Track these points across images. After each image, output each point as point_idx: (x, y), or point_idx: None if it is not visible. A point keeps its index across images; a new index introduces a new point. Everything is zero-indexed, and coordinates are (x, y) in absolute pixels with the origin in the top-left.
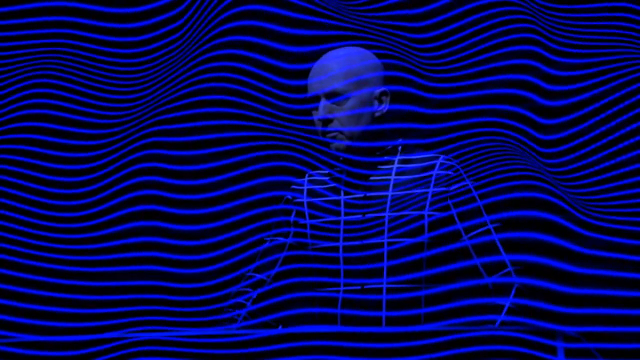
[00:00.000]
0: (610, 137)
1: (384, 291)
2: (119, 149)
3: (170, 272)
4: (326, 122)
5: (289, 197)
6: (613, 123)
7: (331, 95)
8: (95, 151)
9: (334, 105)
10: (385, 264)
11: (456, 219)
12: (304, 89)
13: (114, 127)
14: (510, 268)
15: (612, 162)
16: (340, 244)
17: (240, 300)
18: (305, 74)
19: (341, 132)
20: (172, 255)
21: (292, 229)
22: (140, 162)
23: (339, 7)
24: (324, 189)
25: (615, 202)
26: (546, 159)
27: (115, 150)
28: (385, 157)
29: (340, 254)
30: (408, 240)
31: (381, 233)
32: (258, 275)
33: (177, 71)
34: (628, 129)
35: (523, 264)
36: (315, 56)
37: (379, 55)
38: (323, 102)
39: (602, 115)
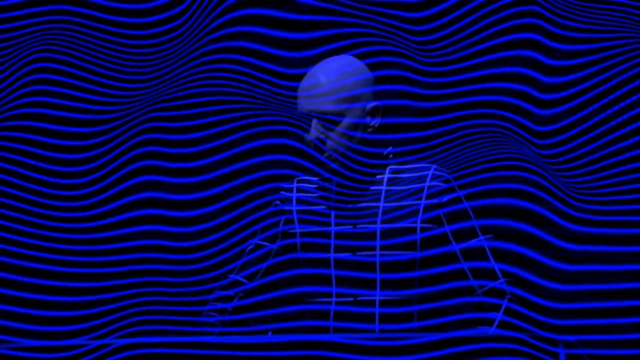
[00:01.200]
0: (608, 126)
1: (377, 301)
2: (112, 149)
3: (164, 269)
4: (319, 143)
5: (278, 204)
6: (610, 111)
7: (323, 119)
8: (86, 153)
9: (327, 126)
10: (378, 265)
11: (448, 231)
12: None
13: (106, 123)
14: (502, 279)
15: (607, 150)
16: (332, 254)
17: (223, 304)
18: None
19: (335, 151)
20: (168, 255)
21: (281, 235)
22: (135, 162)
23: None
24: (314, 197)
25: (610, 187)
26: (547, 158)
27: (108, 151)
28: (382, 161)
29: (332, 264)
30: (402, 238)
31: (373, 245)
32: (239, 275)
33: (178, 63)
34: (625, 116)
35: (514, 276)
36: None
37: (371, 66)
38: (315, 124)
39: (598, 105)
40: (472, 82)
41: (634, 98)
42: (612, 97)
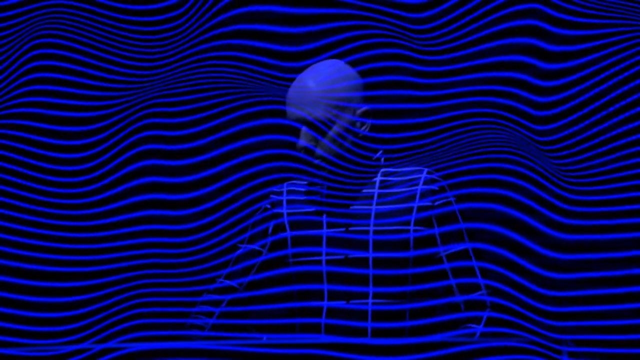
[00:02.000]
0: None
1: (370, 304)
2: (107, 150)
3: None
4: (310, 150)
5: (268, 206)
6: (612, 109)
7: (313, 126)
8: (81, 152)
9: (317, 133)
10: (370, 269)
11: (437, 234)
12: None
13: (99, 121)
14: (483, 290)
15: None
16: (323, 257)
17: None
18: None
19: (325, 157)
20: (166, 250)
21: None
22: (133, 162)
23: None
24: (304, 201)
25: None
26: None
27: (104, 152)
28: (379, 158)
29: (324, 268)
30: (392, 236)
31: (365, 247)
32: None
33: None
34: (627, 114)
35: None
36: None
37: (369, 70)
38: (304, 131)
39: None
40: (469, 83)
41: (635, 97)
42: (613, 94)
